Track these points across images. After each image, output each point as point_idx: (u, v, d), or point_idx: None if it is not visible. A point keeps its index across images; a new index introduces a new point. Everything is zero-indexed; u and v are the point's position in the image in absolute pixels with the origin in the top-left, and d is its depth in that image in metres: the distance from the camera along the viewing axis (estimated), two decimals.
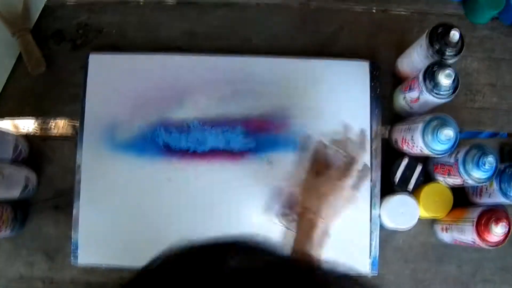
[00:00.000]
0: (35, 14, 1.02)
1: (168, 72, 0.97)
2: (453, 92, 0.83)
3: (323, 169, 0.81)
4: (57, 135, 0.99)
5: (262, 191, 0.93)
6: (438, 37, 0.85)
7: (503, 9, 0.98)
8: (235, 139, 0.95)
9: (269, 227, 0.92)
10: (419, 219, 0.90)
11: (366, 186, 0.90)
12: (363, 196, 0.94)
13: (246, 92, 0.96)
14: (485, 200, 0.90)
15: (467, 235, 0.87)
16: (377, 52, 1.02)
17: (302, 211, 0.79)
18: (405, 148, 0.91)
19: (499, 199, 0.85)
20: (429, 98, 0.83)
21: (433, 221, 0.97)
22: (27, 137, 0.98)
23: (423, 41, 0.86)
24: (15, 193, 0.90)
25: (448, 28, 0.84)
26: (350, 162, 0.80)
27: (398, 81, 0.98)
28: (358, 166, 0.80)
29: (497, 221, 0.82)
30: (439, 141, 0.80)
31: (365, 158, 0.83)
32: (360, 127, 0.95)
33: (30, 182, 0.93)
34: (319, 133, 0.91)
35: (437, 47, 0.85)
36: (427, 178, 0.94)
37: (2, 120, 1.00)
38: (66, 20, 1.03)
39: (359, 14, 1.04)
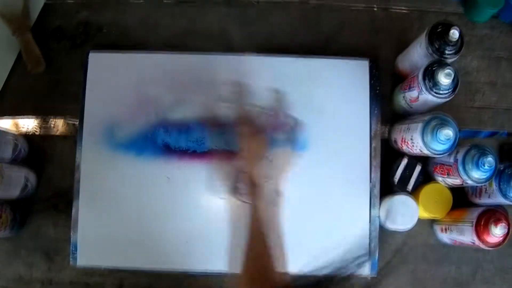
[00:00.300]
0: (35, 13, 1.01)
1: (168, 71, 0.96)
2: (453, 91, 0.83)
3: (255, 132, 0.82)
4: (57, 134, 0.99)
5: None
6: (437, 36, 0.84)
7: (502, 7, 0.98)
8: (235, 138, 0.94)
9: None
10: (418, 219, 0.90)
11: (299, 141, 0.90)
12: (362, 196, 0.94)
13: (246, 91, 0.95)
14: (485, 200, 0.89)
15: (467, 236, 0.86)
16: (377, 51, 1.02)
17: (249, 179, 0.80)
18: (404, 148, 0.90)
19: (499, 199, 0.85)
20: (428, 97, 0.83)
21: (432, 222, 0.97)
22: (27, 136, 0.98)
23: (422, 39, 0.86)
24: (14, 192, 0.90)
25: (448, 26, 0.83)
26: (276, 118, 0.82)
27: (398, 80, 0.97)
28: (286, 120, 0.82)
29: (496, 222, 0.82)
30: (438, 141, 0.80)
31: (288, 112, 0.84)
32: (359, 126, 0.95)
33: (30, 181, 0.93)
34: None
35: (436, 46, 0.84)
36: (426, 178, 0.94)
37: (1, 119, 0.99)
38: (66, 19, 1.02)
39: (359, 12, 1.04)
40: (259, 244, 0.75)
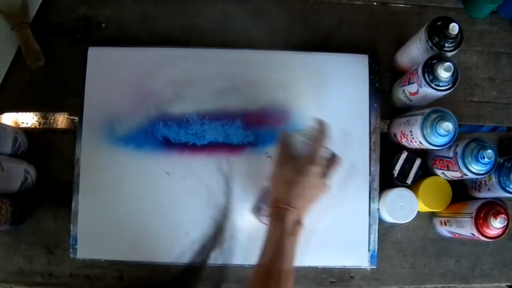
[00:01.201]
0: (34, 8, 1.01)
1: (167, 65, 0.96)
2: (453, 85, 0.83)
3: (290, 159, 0.81)
4: (56, 128, 0.99)
5: (262, 185, 0.93)
6: (437, 30, 0.85)
7: (502, 3, 0.98)
8: (235, 132, 0.95)
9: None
10: (418, 213, 0.90)
11: (336, 175, 0.87)
12: (361, 190, 0.94)
13: (245, 86, 0.96)
14: (484, 194, 0.90)
15: (466, 229, 0.87)
16: (376, 46, 1.02)
17: (272, 202, 0.80)
18: (404, 142, 0.91)
19: (498, 192, 0.86)
20: (428, 91, 0.83)
21: (432, 215, 0.97)
22: (27, 130, 0.98)
23: (422, 34, 0.86)
24: (14, 186, 0.90)
25: (447, 21, 0.84)
26: (314, 150, 0.79)
27: (397, 74, 0.98)
28: (323, 153, 0.80)
29: (496, 214, 0.82)
30: (438, 134, 0.80)
31: (330, 145, 0.82)
32: (359, 120, 0.95)
33: (30, 175, 0.93)
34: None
35: (436, 40, 0.85)
36: (426, 172, 0.94)
37: (1, 114, 1.00)
38: (65, 14, 1.02)
39: (359, 7, 1.04)
40: (265, 271, 0.75)
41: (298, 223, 0.77)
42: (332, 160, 0.82)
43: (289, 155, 0.81)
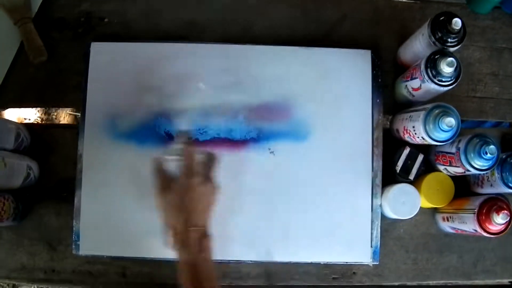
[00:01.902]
0: (37, 3, 1.01)
1: (169, 61, 0.96)
2: (455, 80, 0.83)
3: (169, 183, 0.80)
4: (59, 124, 0.99)
5: (264, 180, 0.94)
6: (440, 26, 0.84)
7: None
8: (237, 128, 0.95)
9: (270, 217, 0.93)
10: (420, 208, 0.90)
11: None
12: (364, 185, 0.94)
13: (248, 81, 0.96)
14: (487, 189, 0.90)
15: (469, 225, 0.87)
16: (379, 41, 1.02)
17: (172, 232, 0.78)
18: (406, 137, 0.91)
19: (501, 188, 0.86)
20: (430, 87, 0.83)
21: (434, 211, 0.97)
22: (29, 126, 0.98)
23: (425, 29, 0.86)
24: (17, 182, 0.90)
25: (450, 16, 0.83)
26: (185, 162, 0.79)
27: (400, 70, 0.98)
28: (197, 159, 0.79)
29: (498, 210, 0.82)
30: (441, 130, 0.80)
31: (200, 149, 0.84)
32: (361, 116, 0.95)
33: (32, 171, 0.93)
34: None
35: (439, 36, 0.84)
36: (428, 167, 0.94)
37: (4, 109, 1.00)
38: (68, 9, 1.02)
39: (362, 2, 1.04)
40: None
41: (203, 237, 0.77)
42: (209, 160, 0.82)
43: (167, 179, 0.81)
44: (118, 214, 0.93)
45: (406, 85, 0.91)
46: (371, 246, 0.93)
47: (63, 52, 1.01)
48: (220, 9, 1.03)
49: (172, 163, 0.81)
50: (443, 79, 0.82)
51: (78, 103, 0.96)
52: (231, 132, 0.94)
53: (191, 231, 0.75)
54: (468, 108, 1.01)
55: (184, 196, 0.77)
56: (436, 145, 0.88)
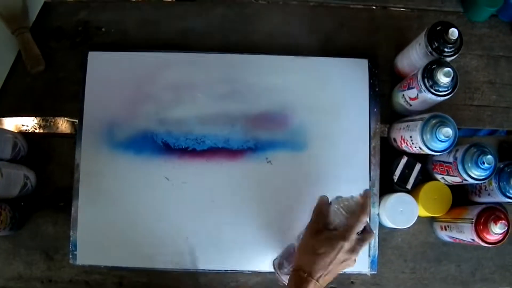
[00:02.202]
0: (34, 12, 1.01)
1: (167, 70, 0.97)
2: (452, 90, 0.83)
3: (323, 229, 0.78)
4: (56, 133, 0.99)
5: (262, 190, 0.93)
6: (437, 36, 0.84)
7: (501, 6, 0.98)
8: (235, 137, 0.95)
9: (267, 226, 0.93)
10: (418, 217, 0.90)
11: (365, 250, 0.86)
12: None
13: (245, 90, 0.96)
14: (484, 198, 0.90)
15: (466, 234, 0.87)
16: (376, 50, 1.02)
17: (296, 267, 0.77)
18: (403, 147, 0.91)
19: (498, 198, 0.85)
20: (427, 96, 0.83)
21: (432, 220, 0.97)
22: (26, 135, 0.98)
23: (421, 39, 0.86)
24: (14, 191, 0.90)
25: (447, 26, 0.83)
26: (350, 225, 0.76)
27: (397, 79, 0.98)
28: (357, 230, 0.76)
29: (496, 220, 0.82)
30: (438, 140, 0.80)
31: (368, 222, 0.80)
32: (359, 125, 0.95)
33: (29, 180, 0.93)
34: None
35: (435, 46, 0.84)
36: (426, 177, 0.94)
37: (1, 118, 0.99)
38: (65, 18, 1.02)
39: (359, 11, 1.04)
40: None
41: None
42: (365, 235, 0.78)
43: (323, 223, 0.79)
44: (115, 223, 0.93)
45: (403, 95, 0.91)
46: (369, 256, 0.93)
47: (61, 61, 1.01)
48: (218, 18, 1.03)
49: (336, 213, 0.78)
50: (440, 89, 0.82)
51: (76, 112, 0.96)
52: (228, 142, 0.94)
53: (312, 282, 0.74)
54: (465, 116, 1.01)
55: (328, 251, 0.75)
56: (434, 155, 0.88)
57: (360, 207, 0.77)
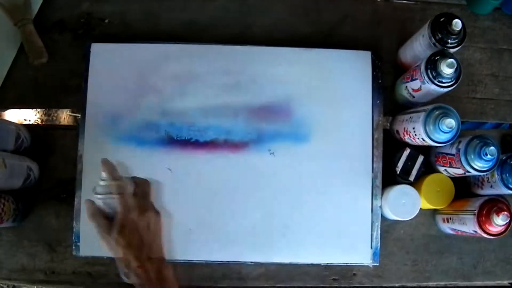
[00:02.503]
0: (37, 4, 1.01)
1: (170, 61, 0.96)
2: (456, 81, 0.83)
3: (108, 227, 0.75)
4: (59, 125, 0.99)
5: (264, 182, 0.94)
6: (440, 27, 0.84)
7: None
8: (237, 129, 0.95)
9: (270, 218, 0.93)
10: (420, 210, 0.90)
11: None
12: (364, 187, 0.94)
13: (248, 82, 0.96)
14: (487, 191, 0.90)
15: (469, 226, 0.87)
16: (379, 42, 1.02)
17: (129, 269, 0.75)
18: (406, 138, 0.91)
19: (501, 190, 0.86)
20: (431, 88, 0.83)
21: (434, 212, 0.97)
22: (29, 127, 0.98)
23: (425, 30, 0.86)
24: (17, 183, 0.90)
25: (450, 17, 0.83)
26: (121, 199, 0.75)
27: (400, 71, 0.98)
28: (130, 191, 0.75)
29: (498, 212, 0.82)
30: (441, 131, 0.80)
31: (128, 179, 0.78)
32: (361, 117, 0.95)
33: (32, 172, 0.93)
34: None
35: (439, 37, 0.84)
36: (428, 169, 0.94)
37: (4, 110, 0.99)
38: (68, 10, 1.02)
39: (362, 3, 1.04)
40: None
41: (161, 267, 0.74)
42: (140, 187, 0.78)
43: (105, 224, 0.76)
44: None
45: (406, 86, 0.91)
46: (371, 247, 0.93)
47: (63, 53, 1.01)
48: (221, 9, 1.03)
49: (106, 201, 0.76)
50: (443, 80, 0.82)
51: (78, 104, 0.96)
52: (231, 133, 0.94)
53: (147, 266, 0.73)
54: (468, 109, 1.01)
55: (129, 233, 0.74)
56: (436, 147, 0.88)
57: (110, 175, 0.76)
